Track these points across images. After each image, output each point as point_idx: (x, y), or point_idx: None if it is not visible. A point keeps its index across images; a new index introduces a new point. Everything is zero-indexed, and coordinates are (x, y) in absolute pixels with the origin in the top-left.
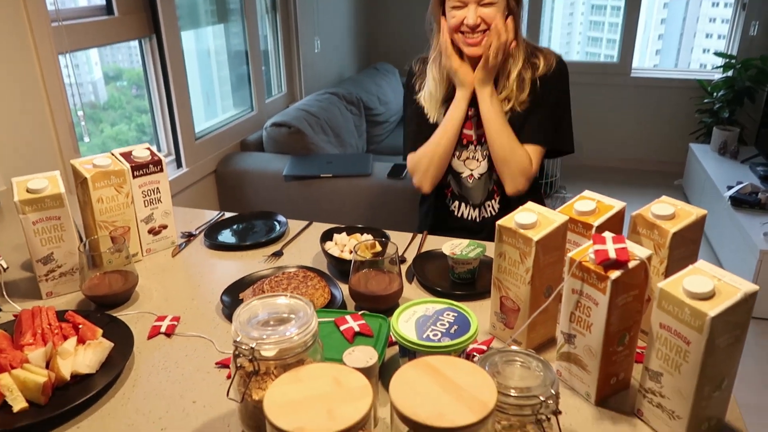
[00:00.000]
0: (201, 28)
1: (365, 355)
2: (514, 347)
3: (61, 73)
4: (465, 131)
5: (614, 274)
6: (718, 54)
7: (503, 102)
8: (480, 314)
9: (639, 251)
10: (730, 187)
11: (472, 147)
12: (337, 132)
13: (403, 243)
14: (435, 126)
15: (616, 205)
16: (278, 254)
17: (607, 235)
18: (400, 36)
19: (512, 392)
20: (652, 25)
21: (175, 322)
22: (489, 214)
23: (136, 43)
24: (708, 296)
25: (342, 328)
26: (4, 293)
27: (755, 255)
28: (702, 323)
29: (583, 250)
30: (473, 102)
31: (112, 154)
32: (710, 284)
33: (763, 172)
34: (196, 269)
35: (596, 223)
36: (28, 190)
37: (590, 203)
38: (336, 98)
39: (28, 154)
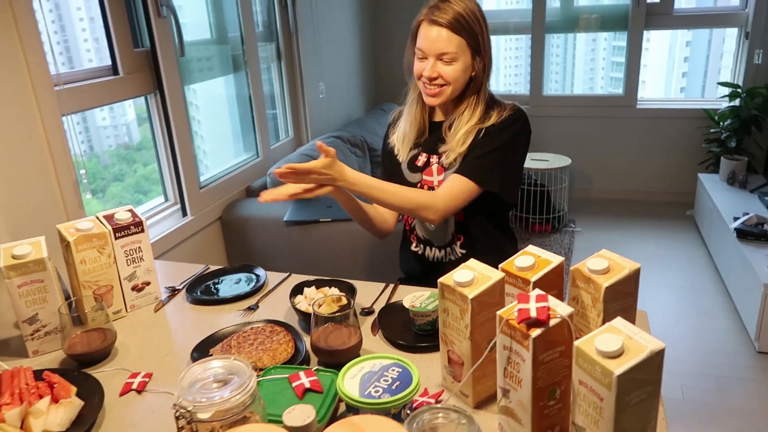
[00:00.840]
0: (206, 81)
1: (304, 413)
2: (439, 405)
3: (65, 134)
4: (425, 177)
5: (535, 332)
6: (723, 84)
7: (451, 153)
8: (438, 366)
9: (561, 309)
10: (736, 218)
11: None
12: None
13: (375, 293)
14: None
15: (554, 260)
16: (254, 308)
17: (532, 294)
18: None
19: None
20: (675, 63)
21: (147, 379)
22: (455, 257)
23: None
24: (616, 354)
25: (294, 384)
26: None
27: (760, 288)
28: (610, 381)
29: (511, 308)
30: (428, 148)
31: (97, 218)
32: (619, 342)
33: None
34: (175, 324)
35: (533, 279)
36: (13, 256)
37: (530, 258)
38: (340, 141)
39: (34, 213)
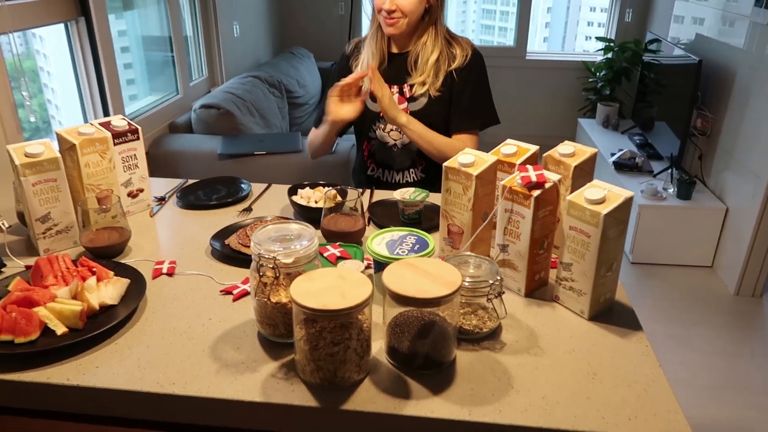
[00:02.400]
0: (123, 11)
1: (355, 265)
2: (467, 252)
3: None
4: None
5: (536, 192)
6: (599, 38)
7: (419, 86)
8: None
9: (552, 176)
10: (613, 154)
11: None
12: (263, 113)
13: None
14: None
15: (531, 148)
16: (248, 210)
17: (529, 166)
18: (314, 21)
19: (468, 279)
20: (540, 14)
21: (173, 265)
22: (411, 179)
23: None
24: (601, 201)
25: (326, 254)
26: (8, 251)
27: (635, 210)
28: (598, 219)
29: (512, 179)
30: (388, 78)
31: (92, 125)
32: (602, 193)
33: (639, 141)
34: (178, 225)
35: (518, 162)
36: (26, 155)
37: (512, 147)
38: (258, 81)
39: None
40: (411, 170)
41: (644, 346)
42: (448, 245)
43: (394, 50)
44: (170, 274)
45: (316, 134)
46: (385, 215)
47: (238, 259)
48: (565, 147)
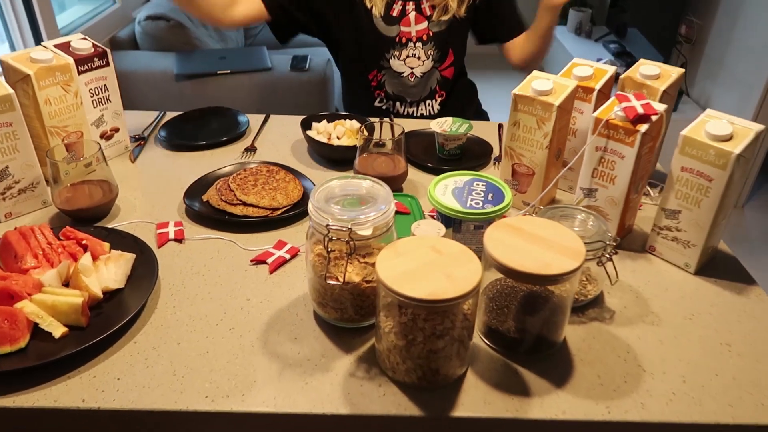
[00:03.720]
0: None
1: (433, 227)
2: (559, 204)
3: None
4: (403, 29)
5: (643, 127)
6: None
7: (440, 11)
8: None
9: (658, 106)
10: None
11: (411, 45)
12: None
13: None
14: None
15: (607, 68)
16: (251, 150)
17: (628, 93)
18: None
19: (587, 240)
20: None
21: (181, 227)
22: (427, 113)
23: None
24: (729, 138)
25: None
26: None
27: None
28: (726, 161)
29: (607, 110)
30: None
31: (46, 48)
32: (729, 128)
33: (615, 49)
34: (168, 172)
35: (597, 86)
36: None
37: (587, 69)
38: None
39: None
40: (428, 102)
41: (766, 302)
42: (511, 188)
43: None
44: (179, 239)
45: None
46: (419, 150)
47: (224, 221)
48: (648, 67)
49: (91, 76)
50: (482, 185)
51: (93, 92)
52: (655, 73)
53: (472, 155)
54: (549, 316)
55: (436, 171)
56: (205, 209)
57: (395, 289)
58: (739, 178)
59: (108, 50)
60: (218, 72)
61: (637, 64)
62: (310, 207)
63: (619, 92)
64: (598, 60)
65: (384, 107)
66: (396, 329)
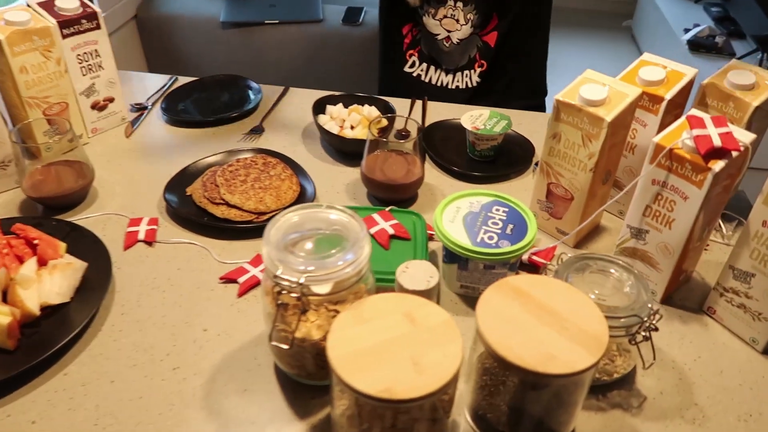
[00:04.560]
0: None
1: (423, 272)
2: (594, 254)
3: None
4: None
5: (717, 165)
6: None
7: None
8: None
9: (742, 135)
10: (687, 30)
11: (451, 4)
12: None
13: (400, 110)
14: None
15: (687, 72)
16: (258, 131)
17: (704, 116)
18: None
19: (607, 315)
20: None
21: (155, 226)
22: (464, 85)
23: None
24: None
25: (373, 231)
26: None
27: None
28: None
29: (673, 134)
30: None
31: (28, 5)
32: None
33: (717, 13)
34: (163, 153)
35: (668, 96)
36: None
37: (658, 70)
38: None
39: None
40: (466, 72)
41: None
42: (544, 210)
43: None
44: (149, 242)
45: None
46: (446, 146)
47: (202, 224)
48: (740, 73)
49: (79, 41)
50: (503, 212)
51: (81, 58)
52: (748, 82)
53: (508, 158)
54: (553, 402)
55: (462, 176)
56: (185, 206)
57: (343, 377)
58: None
59: (98, 11)
60: (266, 21)
61: (726, 66)
62: (263, 248)
63: (693, 112)
64: (695, 26)
65: (415, 73)
66: (350, 412)
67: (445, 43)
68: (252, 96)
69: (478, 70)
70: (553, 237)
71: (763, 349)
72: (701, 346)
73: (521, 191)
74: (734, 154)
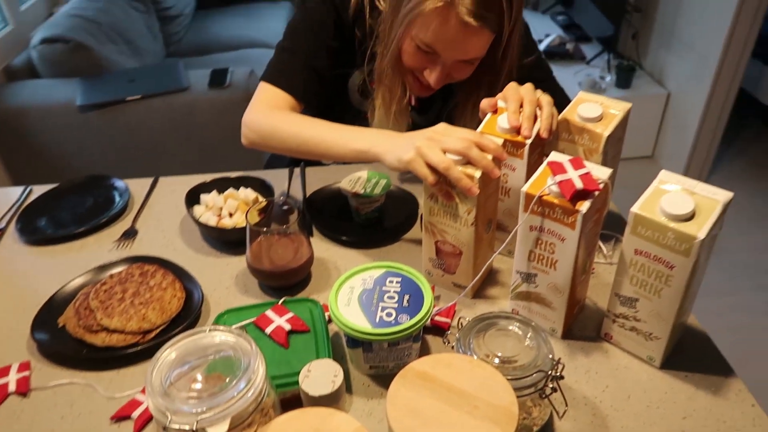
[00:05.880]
0: None
1: (327, 372)
2: (494, 311)
3: None
4: None
5: (583, 206)
6: None
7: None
8: (402, 257)
9: (599, 172)
10: (540, 41)
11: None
12: (127, 38)
13: (278, 183)
14: (336, 84)
15: (619, 106)
16: (131, 234)
17: (563, 159)
18: None
19: (511, 377)
20: None
21: (26, 372)
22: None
23: None
24: (690, 216)
25: (268, 330)
26: None
27: None
28: (689, 246)
29: (539, 182)
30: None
31: None
32: (690, 202)
33: (563, 21)
34: (25, 282)
35: (528, 141)
36: None
37: (594, 107)
38: None
39: None
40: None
41: (750, 404)
42: (437, 268)
43: None
44: (23, 392)
45: (288, 129)
46: (331, 214)
47: (89, 360)
48: (588, 106)
49: None
50: (397, 282)
51: None
52: (596, 114)
53: (394, 216)
54: None
55: (351, 244)
56: (60, 341)
57: None
58: (705, 260)
59: None
60: (128, 98)
61: (575, 100)
62: (147, 399)
63: (552, 157)
64: (546, 36)
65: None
66: None
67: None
68: (118, 196)
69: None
70: (451, 291)
71: (660, 365)
72: (606, 374)
73: (413, 248)
74: (597, 192)
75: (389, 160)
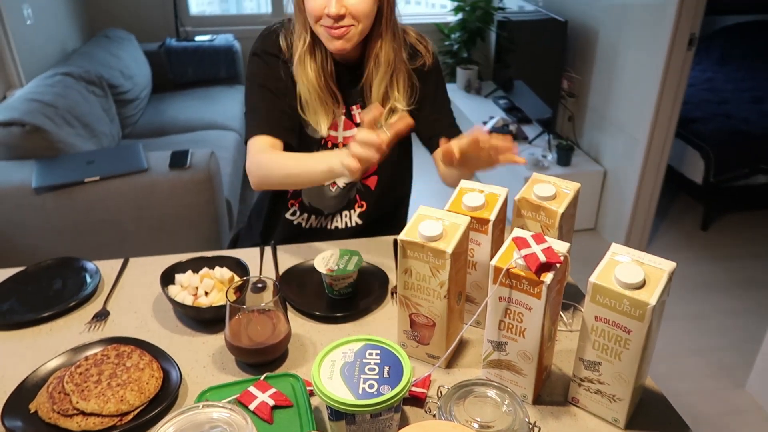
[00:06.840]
0: None
1: None
2: (470, 378)
3: None
4: (331, 133)
5: (547, 277)
6: None
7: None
8: (376, 330)
9: (559, 246)
10: (485, 123)
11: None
12: (85, 121)
13: (250, 263)
14: (294, 112)
15: (500, 192)
16: (102, 316)
17: (526, 235)
18: None
19: None
20: None
21: None
22: (344, 225)
23: None
24: (641, 284)
25: (252, 406)
26: None
27: (520, 181)
28: (643, 312)
29: (506, 255)
30: (349, 99)
31: None
32: (641, 272)
33: (505, 105)
34: None
35: (492, 217)
36: None
37: (478, 196)
38: (71, 79)
39: None
40: (345, 213)
41: None
42: (411, 339)
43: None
44: None
45: (283, 167)
46: (304, 291)
47: None
48: (543, 186)
49: None
50: (376, 354)
51: None
52: (550, 193)
53: (367, 290)
54: None
55: (326, 319)
56: (32, 428)
57: None
58: (657, 324)
59: None
60: (86, 180)
61: (530, 181)
62: None
63: (516, 233)
64: (491, 118)
65: (296, 221)
66: None
67: (331, 188)
68: (89, 278)
69: (358, 210)
70: (425, 362)
71: (624, 426)
72: None
73: (386, 320)
74: (559, 264)
75: (343, 166)
